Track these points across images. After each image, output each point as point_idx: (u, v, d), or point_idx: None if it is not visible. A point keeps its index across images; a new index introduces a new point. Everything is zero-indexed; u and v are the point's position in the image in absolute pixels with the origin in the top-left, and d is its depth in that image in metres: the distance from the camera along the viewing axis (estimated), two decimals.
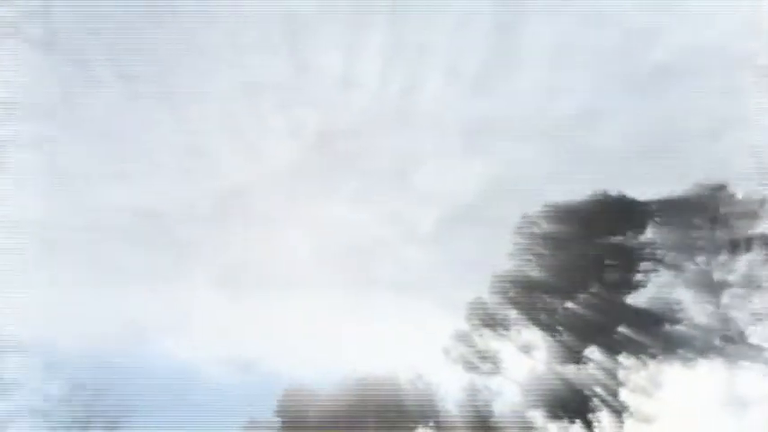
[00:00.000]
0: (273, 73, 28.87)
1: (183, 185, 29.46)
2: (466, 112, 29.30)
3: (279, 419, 32.34)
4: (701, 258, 29.80)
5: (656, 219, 30.08)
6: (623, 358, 29.92)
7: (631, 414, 29.39)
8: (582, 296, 30.66)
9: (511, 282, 31.36)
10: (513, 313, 31.41)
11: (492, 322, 31.59)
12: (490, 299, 31.59)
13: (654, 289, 30.10)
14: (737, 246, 29.22)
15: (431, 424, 31.50)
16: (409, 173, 31.13)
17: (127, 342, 27.74)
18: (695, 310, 29.44)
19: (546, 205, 30.62)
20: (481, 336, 31.55)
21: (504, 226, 30.53)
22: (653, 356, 29.53)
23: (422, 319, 30.92)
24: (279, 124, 29.78)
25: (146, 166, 28.89)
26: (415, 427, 31.68)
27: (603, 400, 29.85)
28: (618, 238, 30.39)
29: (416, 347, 31.11)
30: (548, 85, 28.20)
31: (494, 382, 31.30)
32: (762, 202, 29.00)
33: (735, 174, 28.32)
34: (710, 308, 29.38)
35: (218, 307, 29.50)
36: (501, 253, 31.02)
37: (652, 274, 30.17)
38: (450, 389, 31.56)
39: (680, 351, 29.29)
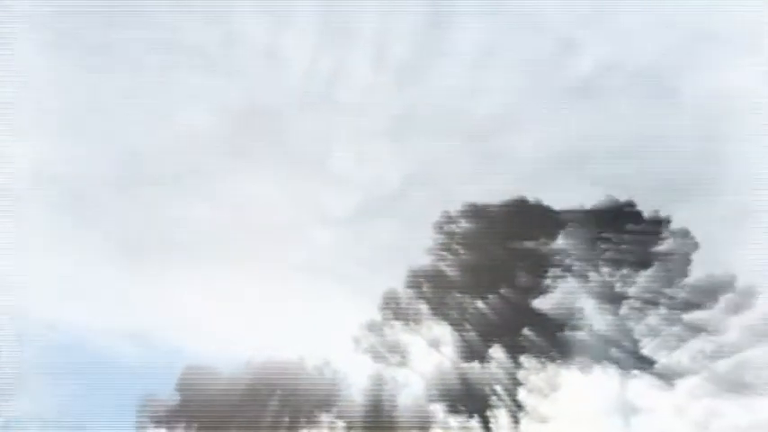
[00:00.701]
0: (196, 40, 28.33)
1: (90, 148, 28.36)
2: (390, 103, 29.61)
3: (178, 396, 31.57)
4: (605, 270, 31.17)
5: (568, 228, 31.26)
6: (525, 359, 30.86)
7: (527, 413, 30.30)
8: (492, 297, 31.46)
9: (425, 277, 31.83)
10: (424, 308, 31.86)
11: (404, 315, 31.92)
12: (404, 292, 31.95)
13: (559, 295, 31.21)
14: (639, 261, 30.76)
15: (334, 411, 31.50)
16: (330, 157, 31.20)
17: (16, 310, 26.29)
18: (595, 318, 30.74)
19: (465, 204, 31.30)
20: (392, 327, 31.85)
21: (423, 220, 31.01)
22: (552, 360, 30.60)
23: (334, 306, 30.95)
24: (197, 93, 29.22)
25: (53, 128, 27.60)
26: (317, 413, 31.61)
27: (502, 398, 30.67)
28: (531, 244, 31.40)
29: (326, 334, 31.06)
30: (473, 86, 28.91)
31: (400, 374, 31.62)
32: (664, 221, 30.68)
33: (643, 192, 29.84)
34: (609, 318, 30.76)
35: (118, 277, 28.55)
36: (418, 247, 31.45)
37: (559, 281, 31.30)
38: (356, 378, 31.70)
39: (578, 357, 30.46)
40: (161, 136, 29.77)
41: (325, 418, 31.45)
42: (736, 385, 29.30)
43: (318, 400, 31.11)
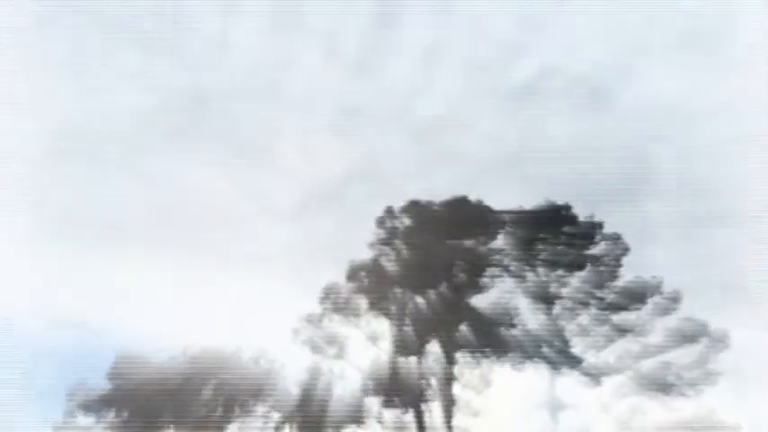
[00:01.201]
0: (141, 20, 27.70)
1: (24, 123, 27.37)
2: (338, 96, 29.64)
3: (109, 384, 30.93)
4: (541, 270, 32.04)
5: (507, 228, 31.98)
6: (460, 355, 31.46)
7: (461, 408, 30.91)
8: (431, 293, 31.93)
9: (366, 271, 32.06)
10: (364, 302, 32.09)
11: (344, 308, 32.07)
12: (345, 285, 32.10)
13: (496, 294, 31.95)
14: (573, 263, 31.74)
15: (269, 402, 31.41)
16: (274, 147, 31.02)
17: None
18: (529, 317, 31.58)
19: (407, 201, 31.66)
20: (331, 320, 31.97)
21: (366, 215, 31.19)
22: (487, 356, 31.29)
23: (273, 297, 30.83)
24: (138, 71, 28.57)
25: None
26: (252, 404, 31.47)
27: (437, 393, 31.19)
28: (470, 242, 31.99)
29: (265, 325, 30.95)
30: (421, 83, 29.23)
31: (337, 367, 31.77)
32: (598, 225, 31.73)
33: (579, 196, 30.78)
34: (543, 317, 31.65)
35: (48, 259, 27.69)
36: (360, 241, 31.64)
37: (497, 280, 32.03)
38: (293, 370, 31.69)
39: (511, 354, 31.24)
40: (98, 114, 28.93)
41: (259, 408, 31.31)
42: (658, 385, 30.57)
43: (253, 391, 30.94)
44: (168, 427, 30.80)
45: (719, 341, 30.04)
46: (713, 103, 30.44)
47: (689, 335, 30.44)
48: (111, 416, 31.18)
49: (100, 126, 31.40)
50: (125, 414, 31.10)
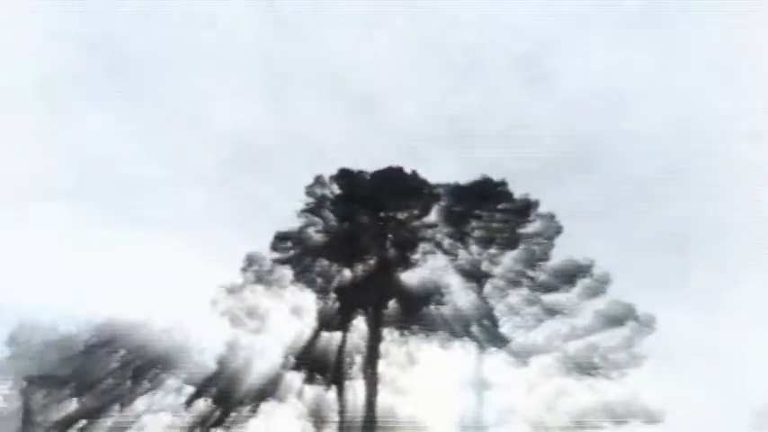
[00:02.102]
0: None
1: None
2: (271, 58, 27.76)
3: (8, 351, 28.57)
4: (473, 248, 31.16)
5: (442, 203, 30.91)
6: (387, 332, 30.36)
7: (385, 386, 29.89)
8: (359, 266, 30.65)
9: (293, 241, 30.49)
10: (289, 273, 30.57)
11: (267, 279, 30.49)
12: (269, 255, 30.47)
13: (427, 271, 30.90)
14: (507, 242, 30.97)
15: (182, 376, 29.62)
16: (199, 110, 28.97)
17: None
18: (459, 295, 30.70)
19: (338, 169, 30.17)
20: (253, 291, 30.30)
21: (295, 183, 29.59)
22: (414, 333, 30.29)
23: (193, 265, 28.92)
24: (59, 30, 25.83)
25: None
26: (163, 378, 29.63)
27: (361, 370, 30.04)
28: (403, 215, 30.79)
29: (181, 295, 28.99)
30: (360, 50, 27.69)
31: (258, 341, 30.20)
32: (533, 204, 31.03)
33: (516, 174, 29.98)
34: (473, 295, 30.83)
35: None
36: (288, 210, 30.01)
37: (429, 256, 30.97)
38: (210, 342, 29.94)
39: (439, 332, 30.32)
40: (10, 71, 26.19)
41: (172, 382, 29.49)
42: (584, 367, 30.26)
43: (165, 364, 29.08)
44: (72, 399, 28.72)
45: (646, 325, 29.88)
46: (657, 84, 30.03)
47: (616, 318, 30.15)
48: (7, 385, 28.83)
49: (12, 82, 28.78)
50: (24, 383, 28.81)
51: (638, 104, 29.44)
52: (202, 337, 29.96)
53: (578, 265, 30.63)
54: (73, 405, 28.83)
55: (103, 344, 28.72)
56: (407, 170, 30.73)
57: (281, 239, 30.34)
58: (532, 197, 31.17)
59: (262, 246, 30.13)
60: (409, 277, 30.78)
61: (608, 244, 29.72)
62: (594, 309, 30.47)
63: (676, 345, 29.69)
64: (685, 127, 30.29)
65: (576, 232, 29.64)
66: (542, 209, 30.86)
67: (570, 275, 30.70)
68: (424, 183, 30.87)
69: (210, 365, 29.70)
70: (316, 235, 30.75)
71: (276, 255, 30.44)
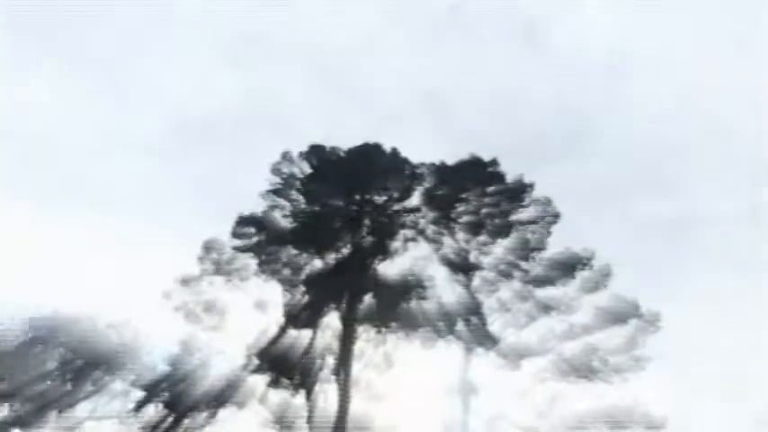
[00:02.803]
0: None
1: None
2: (235, 23, 24.28)
3: None
4: (461, 236, 27.78)
5: (425, 185, 27.51)
6: (362, 330, 26.96)
7: (360, 390, 26.52)
8: (332, 256, 27.22)
9: (257, 226, 26.98)
10: (252, 263, 27.07)
11: (227, 269, 26.98)
12: (230, 242, 26.94)
13: (408, 261, 27.52)
14: (497, 229, 27.63)
15: (129, 378, 26.08)
16: (151, 74, 25.33)
17: None
18: (444, 289, 27.34)
19: (309, 145, 26.68)
20: (211, 284, 26.79)
21: (260, 159, 26.06)
22: (392, 332, 26.90)
23: (142, 252, 25.27)
24: None
25: None
26: (108, 380, 26.07)
27: (334, 373, 26.62)
28: (381, 198, 27.36)
29: (130, 286, 25.41)
30: (331, 11, 24.16)
31: (216, 339, 26.69)
32: (528, 187, 27.69)
33: (508, 151, 26.63)
34: (460, 289, 27.47)
35: None
36: (251, 190, 26.52)
37: (409, 244, 27.58)
38: (162, 340, 26.42)
39: (421, 330, 26.95)
40: None
41: (118, 386, 25.96)
42: (582, 370, 27.06)
43: (110, 365, 25.53)
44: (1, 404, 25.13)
45: (650, 323, 26.70)
46: (657, 50, 26.78)
47: (618, 315, 26.94)
48: None
49: None
50: None
51: (642, 71, 26.18)
52: (153, 334, 26.43)
53: (577, 256, 27.32)
54: (3, 411, 25.25)
55: (39, 341, 25.09)
56: (386, 147, 27.26)
57: (243, 224, 26.84)
58: (527, 179, 27.81)
59: (221, 231, 26.59)
60: (388, 268, 27.39)
61: (609, 232, 26.47)
62: (594, 305, 27.19)
63: (680, 345, 26.80)
64: (691, 100, 27.04)
65: (574, 219, 26.36)
66: (538, 192, 27.44)
67: (568, 267, 27.39)
68: (405, 162, 27.43)
69: (162, 367, 26.21)
70: (283, 219, 27.26)
71: (237, 242, 26.94)
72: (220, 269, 26.78)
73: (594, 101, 24.86)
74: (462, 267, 27.63)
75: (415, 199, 27.59)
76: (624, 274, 27.09)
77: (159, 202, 24.63)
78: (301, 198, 27.20)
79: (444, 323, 27.05)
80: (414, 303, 27.10)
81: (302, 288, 26.97)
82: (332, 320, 26.96)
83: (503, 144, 24.67)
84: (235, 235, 26.86)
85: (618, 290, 27.03)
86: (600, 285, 27.34)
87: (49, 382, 25.57)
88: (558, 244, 27.07)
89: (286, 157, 27.05)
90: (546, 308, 27.22)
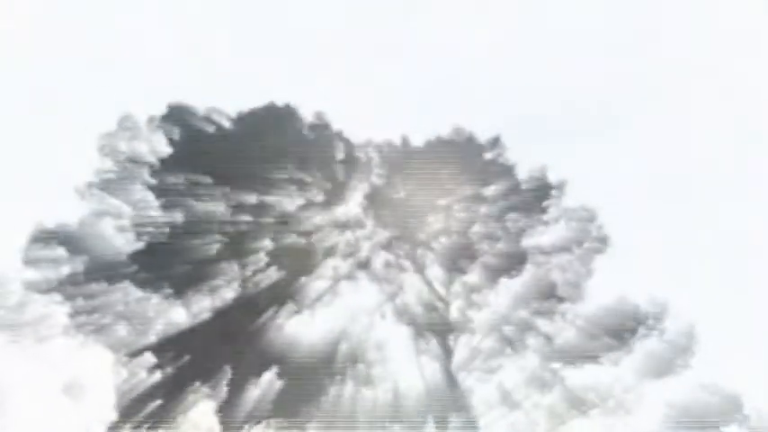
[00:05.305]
0: None
1: None
2: None
3: None
4: (435, 270, 15.55)
5: (377, 179, 15.43)
6: None
7: None
8: (205, 302, 15.19)
9: (69, 246, 14.96)
10: (62, 312, 15.04)
11: (15, 323, 14.95)
12: (20, 273, 14.90)
13: (341, 313, 15.39)
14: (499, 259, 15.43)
15: None
16: None
17: None
18: (403, 365, 15.20)
19: (169, 106, 14.93)
20: None
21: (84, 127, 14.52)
22: None
23: None
24: None
25: None
26: None
27: None
28: (297, 203, 15.30)
29: None
30: None
31: None
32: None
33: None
34: (434, 366, 15.34)
35: None
36: (63, 184, 14.66)
37: (345, 283, 15.41)
38: None
39: None
40: None
41: None
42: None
43: None
44: None
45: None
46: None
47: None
48: None
49: None
50: None
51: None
52: None
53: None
54: None
55: None
56: (307, 110, 15.29)
57: (41, 243, 14.79)
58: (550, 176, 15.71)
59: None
60: (304, 327, 15.30)
61: None
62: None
63: None
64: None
65: None
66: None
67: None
68: (340, 138, 15.40)
69: None
70: (117, 235, 15.23)
71: (33, 273, 14.91)
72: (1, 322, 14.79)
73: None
74: (437, 326, 15.49)
75: (354, 203, 15.49)
76: None
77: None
78: (152, 198, 15.15)
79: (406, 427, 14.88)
80: (348, 391, 14.97)
81: (148, 360, 14.94)
82: (199, 418, 14.87)
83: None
84: (28, 262, 14.83)
85: None
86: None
87: None
88: None
89: (124, 125, 15.05)
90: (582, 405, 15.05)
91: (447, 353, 15.43)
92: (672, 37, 17.20)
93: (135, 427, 14.03)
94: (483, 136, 16.27)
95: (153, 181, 15.31)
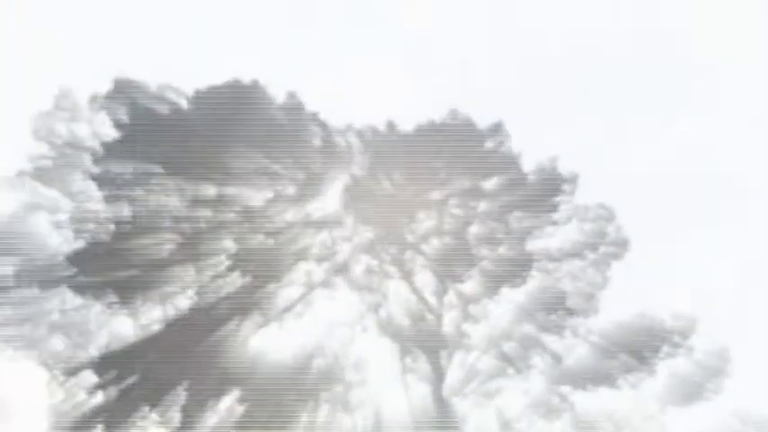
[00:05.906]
0: None
1: None
2: None
3: None
4: (424, 276, 13.33)
5: (357, 170, 13.18)
6: None
7: None
8: (154, 313, 13.03)
9: None
10: None
11: None
12: None
13: (316, 328, 13.17)
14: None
15: None
16: None
17: None
18: (388, 391, 13.01)
19: (115, 80, 12.80)
20: None
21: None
22: None
23: None
24: None
25: None
26: None
27: None
28: (264, 197, 13.13)
29: None
30: None
31: None
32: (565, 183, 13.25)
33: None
34: (422, 389, 13.13)
35: None
36: None
37: (319, 293, 13.21)
38: None
39: None
40: None
41: None
42: None
43: None
44: None
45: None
46: None
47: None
48: None
49: None
50: None
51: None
52: None
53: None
54: None
55: None
56: (278, 89, 13.10)
57: None
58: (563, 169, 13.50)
59: None
60: (271, 342, 13.13)
61: None
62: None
63: None
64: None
65: None
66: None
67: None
68: (315, 121, 13.20)
69: None
70: (53, 232, 13.04)
71: None
72: None
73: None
74: (427, 341, 13.28)
75: (331, 199, 13.28)
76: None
77: None
78: (94, 189, 12.96)
79: None
80: (323, 417, 12.80)
81: (91, 377, 12.86)
82: None
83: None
84: None
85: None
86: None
87: None
88: None
89: (61, 104, 12.84)
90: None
91: (438, 373, 13.30)
92: (693, 35, 14.94)
93: None
94: (483, 122, 14.02)
95: (95, 169, 13.13)
